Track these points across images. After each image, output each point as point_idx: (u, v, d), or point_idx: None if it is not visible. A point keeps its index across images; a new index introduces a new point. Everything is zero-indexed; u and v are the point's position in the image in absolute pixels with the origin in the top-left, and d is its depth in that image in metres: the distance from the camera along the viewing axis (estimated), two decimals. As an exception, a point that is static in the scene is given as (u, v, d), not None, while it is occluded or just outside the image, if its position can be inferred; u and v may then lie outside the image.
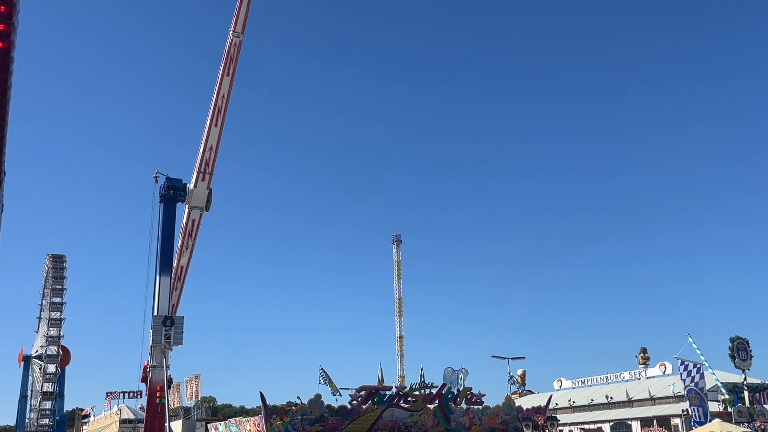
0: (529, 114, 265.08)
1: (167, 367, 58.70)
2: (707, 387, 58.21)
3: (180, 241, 64.64)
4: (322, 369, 58.61)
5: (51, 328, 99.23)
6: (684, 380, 56.81)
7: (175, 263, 63.82)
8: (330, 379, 55.85)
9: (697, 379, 56.62)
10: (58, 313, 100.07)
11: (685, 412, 63.91)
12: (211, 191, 65.21)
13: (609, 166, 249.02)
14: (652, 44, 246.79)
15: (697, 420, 54.15)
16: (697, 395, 55.97)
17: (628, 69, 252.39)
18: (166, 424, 55.44)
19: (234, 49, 58.74)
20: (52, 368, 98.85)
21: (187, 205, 64.85)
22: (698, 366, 57.52)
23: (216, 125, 60.89)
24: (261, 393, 46.65)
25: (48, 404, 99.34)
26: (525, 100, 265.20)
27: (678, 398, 72.73)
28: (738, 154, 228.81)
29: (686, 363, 57.55)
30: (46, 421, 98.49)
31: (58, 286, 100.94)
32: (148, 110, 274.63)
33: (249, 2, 57.30)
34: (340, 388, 55.56)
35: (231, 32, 58.26)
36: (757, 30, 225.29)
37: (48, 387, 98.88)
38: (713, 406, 61.03)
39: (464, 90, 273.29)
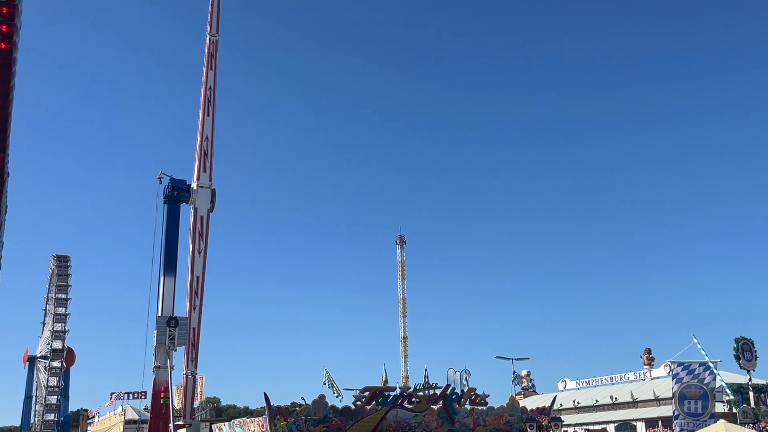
0: (534, 111, 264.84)
1: (171, 367, 58.84)
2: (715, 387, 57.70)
3: (191, 246, 64.91)
4: (326, 371, 58.81)
5: (56, 329, 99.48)
6: (681, 378, 56.13)
7: (189, 276, 64.12)
8: (333, 382, 55.94)
9: (703, 376, 56.20)
10: (63, 314, 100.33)
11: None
12: (215, 191, 65.69)
13: (614, 164, 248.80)
14: (652, 41, 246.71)
15: (691, 413, 53.55)
16: (698, 389, 55.49)
17: (636, 65, 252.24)
18: (170, 425, 55.56)
19: (213, 47, 67.73)
20: (56, 369, 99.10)
21: (192, 207, 65.28)
22: (707, 365, 57.12)
23: (208, 115, 66.47)
24: (265, 394, 46.66)
25: (53, 405, 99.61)
26: (530, 98, 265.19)
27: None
28: (744, 150, 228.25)
29: (687, 363, 57.11)
30: (51, 421, 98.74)
31: (62, 287, 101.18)
32: (152, 110, 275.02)
33: (218, 7, 67.99)
34: (344, 389, 55.67)
35: (207, 34, 67.81)
36: (752, 29, 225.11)
37: (53, 387, 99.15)
38: (717, 407, 60.69)
39: (470, 87, 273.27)
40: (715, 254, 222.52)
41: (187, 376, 62.42)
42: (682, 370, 56.53)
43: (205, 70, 67.73)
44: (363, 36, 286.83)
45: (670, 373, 58.02)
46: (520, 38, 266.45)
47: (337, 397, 55.26)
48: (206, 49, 67.84)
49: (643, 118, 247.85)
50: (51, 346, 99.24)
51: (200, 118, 66.81)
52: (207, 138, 66.23)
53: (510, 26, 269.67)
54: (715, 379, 57.26)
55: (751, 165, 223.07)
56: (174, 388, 65.00)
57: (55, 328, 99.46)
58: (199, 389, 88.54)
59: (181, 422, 58.94)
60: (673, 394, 56.28)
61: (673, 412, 55.73)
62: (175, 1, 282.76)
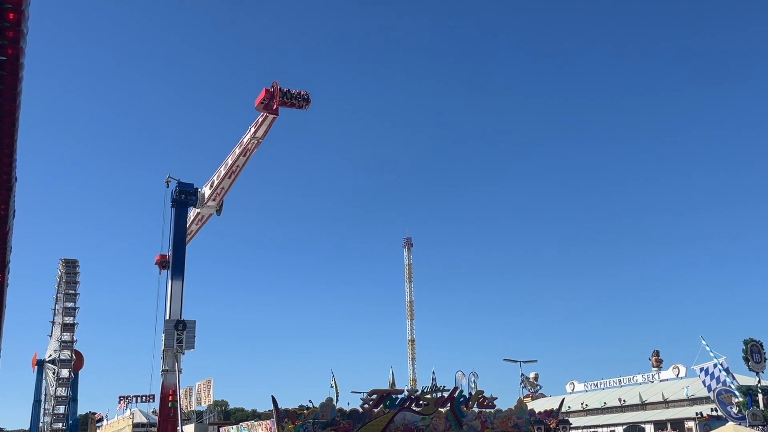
0: (549, 123, 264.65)
1: (179, 371, 58.90)
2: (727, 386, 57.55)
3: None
4: (332, 375, 58.59)
5: (64, 333, 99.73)
6: (709, 384, 56.38)
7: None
8: (336, 387, 55.61)
9: (723, 377, 56.17)
10: (72, 318, 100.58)
11: (699, 415, 63.33)
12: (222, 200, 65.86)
13: (620, 174, 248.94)
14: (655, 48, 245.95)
15: (741, 417, 53.65)
16: (729, 393, 55.53)
17: (644, 73, 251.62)
18: (179, 428, 55.64)
19: (251, 145, 59.48)
20: (65, 372, 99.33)
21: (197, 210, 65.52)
22: (719, 364, 56.99)
23: (228, 178, 62.72)
24: (273, 397, 46.71)
25: (61, 408, 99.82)
26: (545, 109, 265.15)
27: (692, 401, 72.24)
28: (749, 158, 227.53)
29: (705, 366, 57.07)
30: (60, 425, 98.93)
31: (71, 291, 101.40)
32: (159, 114, 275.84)
33: (273, 121, 56.91)
34: (352, 392, 55.56)
35: (252, 132, 58.24)
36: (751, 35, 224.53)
37: (61, 391, 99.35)
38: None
39: (482, 96, 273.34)
40: (723, 255, 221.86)
41: None
42: (706, 375, 56.68)
43: (237, 152, 60.53)
44: (370, 43, 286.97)
45: (701, 377, 58.21)
46: (538, 46, 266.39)
47: (337, 401, 55.19)
48: (243, 144, 59.88)
49: (649, 129, 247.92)
50: (60, 349, 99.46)
51: (220, 174, 62.67)
52: (223, 188, 63.96)
53: (529, 34, 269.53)
54: (731, 374, 57.27)
55: (759, 173, 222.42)
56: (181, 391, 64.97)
57: (63, 332, 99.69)
58: (207, 393, 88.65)
59: None
60: (713, 400, 56.54)
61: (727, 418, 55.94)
62: (181, 3, 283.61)
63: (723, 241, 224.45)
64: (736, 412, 57.83)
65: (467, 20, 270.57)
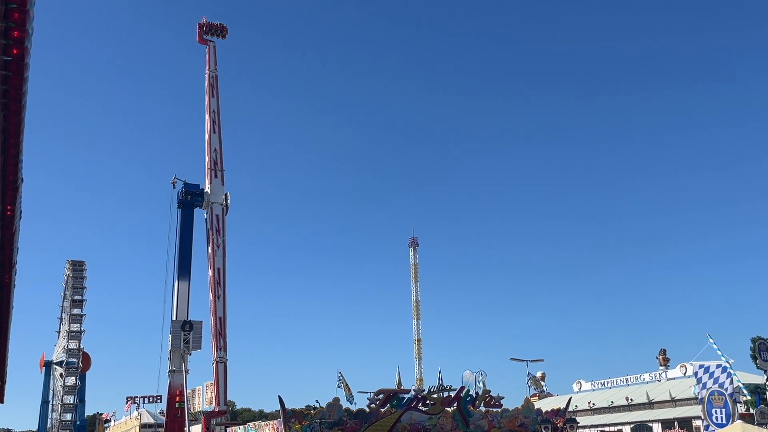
0: (553, 122, 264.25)
1: (186, 371, 59.00)
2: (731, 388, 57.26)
3: (210, 242, 64.54)
4: (340, 373, 58.75)
5: (71, 334, 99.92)
6: (705, 383, 55.97)
7: (210, 272, 64.26)
8: (346, 384, 55.74)
9: (722, 379, 55.79)
10: (79, 319, 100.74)
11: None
12: (228, 195, 65.79)
13: (625, 172, 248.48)
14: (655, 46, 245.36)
15: (718, 423, 53.42)
16: (721, 396, 55.19)
17: (647, 70, 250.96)
18: (186, 429, 55.71)
19: (213, 80, 71.60)
20: (72, 373, 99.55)
21: (208, 206, 65.43)
22: (723, 366, 56.75)
23: (214, 132, 68.85)
24: (280, 397, 46.62)
25: (69, 409, 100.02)
26: (547, 107, 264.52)
27: (699, 400, 72.08)
28: (754, 155, 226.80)
29: (707, 365, 56.80)
30: (68, 425, 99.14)
31: (78, 292, 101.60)
32: (166, 115, 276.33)
33: (215, 52, 72.32)
34: (358, 392, 55.58)
35: (207, 71, 71.71)
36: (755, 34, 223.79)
37: (69, 392, 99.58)
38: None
39: (487, 96, 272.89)
40: (730, 252, 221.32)
41: (217, 361, 61.21)
42: (704, 372, 56.31)
43: (207, 98, 71.09)
44: (372, 44, 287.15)
45: (694, 376, 57.83)
46: (537, 45, 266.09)
47: (348, 400, 55.12)
48: (206, 82, 71.46)
49: (659, 127, 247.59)
50: (67, 350, 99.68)
51: (207, 135, 68.84)
52: (215, 150, 67.85)
53: (527, 32, 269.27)
54: (732, 382, 56.84)
55: (762, 162, 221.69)
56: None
57: (71, 333, 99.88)
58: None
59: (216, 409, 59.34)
60: (701, 400, 56.14)
61: (703, 422, 55.53)
62: (185, 4, 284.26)
63: (730, 238, 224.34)
64: (743, 410, 57.57)
65: (466, 21, 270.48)
